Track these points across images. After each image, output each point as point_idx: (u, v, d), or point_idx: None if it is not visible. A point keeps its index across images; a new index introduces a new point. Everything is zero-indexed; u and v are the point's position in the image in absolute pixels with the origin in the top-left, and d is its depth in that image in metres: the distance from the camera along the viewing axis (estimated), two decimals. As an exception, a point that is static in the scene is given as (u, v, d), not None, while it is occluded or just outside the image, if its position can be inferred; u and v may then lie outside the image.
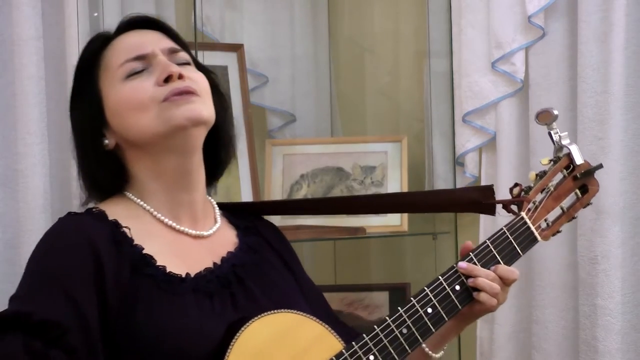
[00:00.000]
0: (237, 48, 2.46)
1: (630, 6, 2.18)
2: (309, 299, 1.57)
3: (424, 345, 1.55)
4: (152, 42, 1.49)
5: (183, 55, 1.51)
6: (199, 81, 1.48)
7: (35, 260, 1.39)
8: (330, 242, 2.60)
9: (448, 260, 2.42)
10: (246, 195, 2.37)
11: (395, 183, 2.48)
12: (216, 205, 1.58)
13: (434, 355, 1.58)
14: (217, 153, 1.56)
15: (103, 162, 1.48)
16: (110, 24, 2.20)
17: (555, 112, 1.60)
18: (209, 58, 2.36)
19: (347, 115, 2.72)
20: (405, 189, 2.47)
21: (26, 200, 2.03)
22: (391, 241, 2.58)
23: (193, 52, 2.25)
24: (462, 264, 1.51)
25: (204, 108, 1.46)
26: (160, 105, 1.43)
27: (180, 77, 1.45)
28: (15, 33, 2.04)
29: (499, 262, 1.54)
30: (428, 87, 2.53)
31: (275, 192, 2.50)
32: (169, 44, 1.51)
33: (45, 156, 2.05)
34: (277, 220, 2.46)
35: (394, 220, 2.44)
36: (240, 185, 2.38)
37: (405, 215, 2.42)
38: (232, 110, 1.61)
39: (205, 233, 1.50)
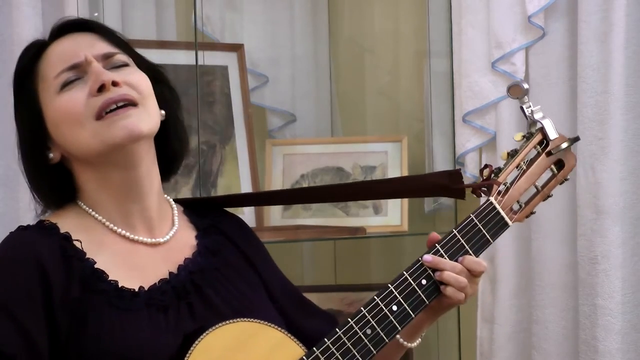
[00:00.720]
0: (237, 48, 2.46)
1: (631, 6, 2.18)
2: (276, 295, 1.52)
3: (397, 336, 1.49)
4: (85, 47, 1.41)
5: (120, 58, 1.43)
6: (137, 84, 1.40)
7: None
8: (330, 242, 2.60)
9: (448, 260, 2.42)
10: (246, 195, 2.37)
11: (395, 183, 2.48)
12: (174, 206, 1.51)
13: (408, 344, 1.52)
14: (170, 146, 1.48)
15: (49, 175, 1.43)
16: (111, 24, 2.22)
17: (526, 86, 1.51)
18: (209, 58, 2.37)
19: (347, 115, 2.72)
20: (405, 189, 2.46)
21: (26, 200, 2.02)
22: (391, 241, 2.57)
23: (193, 52, 2.27)
24: (427, 257, 1.43)
25: (143, 119, 1.38)
26: (95, 124, 1.36)
27: (115, 84, 1.37)
28: (16, 33, 2.04)
29: (468, 252, 1.45)
30: (428, 87, 2.53)
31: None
32: (103, 48, 1.43)
33: (45, 156, 2.05)
34: (277, 220, 2.48)
35: (394, 220, 2.43)
36: (240, 186, 2.38)
37: (405, 215, 2.42)
38: (182, 104, 1.52)
39: (161, 240, 1.44)
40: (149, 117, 1.39)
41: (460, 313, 2.42)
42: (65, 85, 1.39)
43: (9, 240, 1.39)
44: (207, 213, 1.54)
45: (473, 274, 1.46)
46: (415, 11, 2.62)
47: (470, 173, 2.41)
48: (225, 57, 2.43)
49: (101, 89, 1.37)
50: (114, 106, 1.36)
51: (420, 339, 1.54)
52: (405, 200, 2.43)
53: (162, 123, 1.44)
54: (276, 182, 2.50)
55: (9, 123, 2.04)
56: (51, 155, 1.42)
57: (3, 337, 1.29)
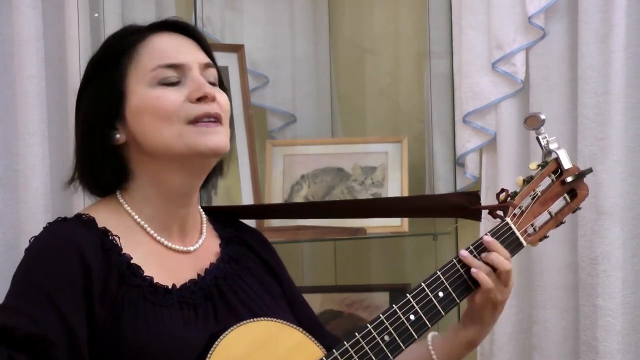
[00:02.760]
0: (237, 48, 2.46)
1: (631, 7, 2.18)
2: (294, 306, 1.58)
3: (432, 353, 1.56)
4: (188, 52, 1.48)
5: (213, 72, 1.50)
6: (224, 104, 1.47)
7: (23, 270, 1.38)
8: (330, 243, 2.60)
9: (448, 261, 2.42)
10: (246, 195, 2.37)
11: (395, 184, 2.48)
12: (204, 216, 1.56)
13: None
14: (219, 166, 1.55)
15: (107, 157, 1.46)
16: (111, 24, 2.22)
17: (542, 117, 1.58)
18: (209, 59, 2.36)
19: (347, 116, 2.72)
20: (405, 190, 2.47)
21: (26, 200, 2.03)
22: (391, 242, 2.58)
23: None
24: (463, 252, 1.51)
25: (225, 139, 1.45)
26: (185, 127, 1.42)
27: (213, 100, 1.44)
28: (16, 33, 2.04)
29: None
30: (428, 88, 2.53)
31: (276, 192, 2.50)
32: (204, 58, 1.49)
33: (45, 157, 2.05)
34: (277, 220, 2.47)
35: (394, 221, 2.44)
36: (240, 186, 2.38)
37: (406, 215, 2.43)
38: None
39: (191, 248, 1.50)
40: (228, 139, 1.47)
41: (460, 313, 2.42)
42: (163, 83, 1.44)
43: (50, 230, 1.42)
44: (230, 224, 1.60)
45: (498, 275, 1.51)
46: (416, 12, 2.62)
47: (471, 174, 2.42)
48: (225, 58, 2.43)
49: (200, 99, 1.43)
50: (206, 120, 1.43)
51: None
52: (406, 201, 2.43)
53: None
54: (276, 182, 2.50)
55: (10, 123, 2.05)
56: (117, 136, 1.45)
57: (45, 323, 1.31)
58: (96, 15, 2.20)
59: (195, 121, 1.42)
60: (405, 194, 2.46)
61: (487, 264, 1.52)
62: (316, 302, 2.43)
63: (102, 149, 1.45)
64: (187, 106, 1.42)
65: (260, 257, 1.59)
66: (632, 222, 2.20)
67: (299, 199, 2.49)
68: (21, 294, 1.35)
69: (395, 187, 2.47)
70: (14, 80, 2.04)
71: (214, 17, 2.53)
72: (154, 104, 1.42)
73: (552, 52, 2.29)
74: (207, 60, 1.49)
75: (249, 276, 1.53)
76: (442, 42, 2.47)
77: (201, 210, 1.57)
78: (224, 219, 1.60)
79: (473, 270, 1.51)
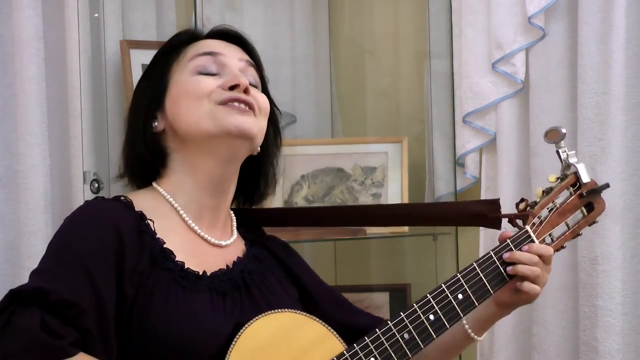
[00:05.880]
0: (237, 49, 2.45)
1: (631, 7, 2.18)
2: (322, 302, 1.60)
3: (467, 327, 1.59)
4: (232, 50, 1.55)
5: (255, 74, 1.57)
6: (261, 102, 1.53)
7: (61, 237, 1.42)
8: (330, 243, 2.60)
9: (448, 261, 2.42)
10: (246, 196, 2.37)
11: (395, 184, 2.48)
12: (235, 219, 1.61)
13: (477, 337, 1.61)
14: (256, 180, 1.61)
15: (147, 144, 1.51)
16: (111, 24, 2.22)
17: (564, 131, 1.61)
18: (209, 59, 2.36)
19: (347, 116, 2.72)
20: (405, 190, 2.47)
21: (27, 200, 2.03)
22: (391, 242, 2.57)
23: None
24: (506, 254, 1.54)
25: (256, 124, 1.50)
26: (215, 107, 1.47)
27: (247, 91, 1.49)
28: (16, 34, 2.04)
29: (502, 273, 1.55)
30: (428, 88, 2.53)
31: (276, 193, 2.49)
32: (246, 57, 1.56)
33: (45, 157, 2.06)
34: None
35: (394, 221, 2.43)
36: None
37: (406, 216, 2.42)
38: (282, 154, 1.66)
39: (223, 243, 1.54)
40: (259, 128, 1.52)
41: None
42: (202, 72, 1.51)
43: (89, 204, 1.47)
44: (254, 230, 1.65)
45: (544, 261, 1.56)
46: (416, 12, 2.62)
47: (471, 174, 2.42)
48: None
49: (233, 87, 1.49)
50: (237, 103, 1.48)
51: (486, 333, 1.63)
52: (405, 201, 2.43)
53: (256, 158, 1.57)
54: (276, 182, 2.50)
55: (10, 124, 2.05)
56: (156, 123, 1.51)
57: (79, 291, 1.33)
58: (96, 15, 2.20)
59: (224, 102, 1.47)
60: (406, 194, 2.46)
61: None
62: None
63: (143, 137, 1.51)
64: (219, 91, 1.48)
65: (281, 262, 1.62)
66: (632, 222, 2.20)
67: (298, 199, 2.49)
68: (59, 260, 1.38)
69: (395, 187, 2.47)
70: (14, 81, 2.05)
71: (214, 18, 2.53)
72: (190, 86, 1.49)
73: (552, 52, 2.29)
74: (249, 58, 1.57)
75: (270, 276, 1.56)
76: (442, 42, 2.47)
77: (233, 215, 1.61)
78: (249, 225, 1.64)
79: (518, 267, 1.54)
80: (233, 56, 1.54)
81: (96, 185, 2.09)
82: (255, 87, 1.56)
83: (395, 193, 2.47)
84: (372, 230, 2.40)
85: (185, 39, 1.57)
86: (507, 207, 1.62)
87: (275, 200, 2.48)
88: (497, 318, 1.62)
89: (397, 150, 2.50)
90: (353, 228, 2.38)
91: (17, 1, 2.03)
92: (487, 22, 2.34)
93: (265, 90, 1.59)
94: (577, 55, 2.23)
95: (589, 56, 2.19)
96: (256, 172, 1.60)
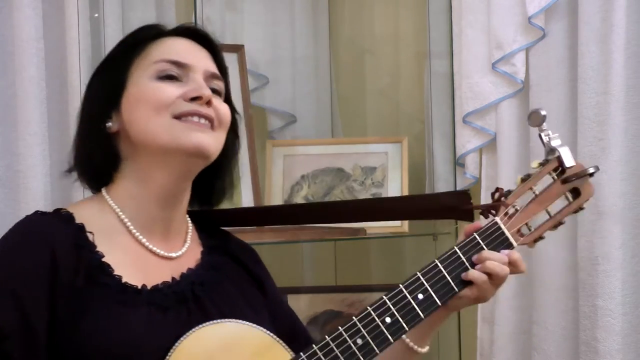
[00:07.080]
0: (237, 49, 2.46)
1: (631, 7, 2.18)
2: (277, 315, 1.55)
3: (407, 340, 1.51)
4: (198, 57, 1.48)
5: (219, 84, 1.49)
6: (222, 114, 1.46)
7: None
8: (330, 243, 2.60)
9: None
10: (247, 196, 2.37)
11: (395, 184, 2.48)
12: (190, 225, 1.54)
13: (419, 349, 1.54)
14: (212, 183, 1.54)
15: (99, 145, 1.45)
16: (111, 24, 2.22)
17: (543, 113, 1.52)
18: (209, 59, 2.36)
19: (347, 116, 2.72)
20: (405, 190, 2.47)
21: (27, 201, 2.03)
22: (391, 242, 2.58)
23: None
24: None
25: (213, 143, 1.44)
26: (171, 121, 1.41)
27: (209, 104, 1.43)
28: (16, 34, 2.04)
29: (468, 269, 1.46)
30: (428, 88, 2.53)
31: (276, 193, 2.50)
32: (213, 67, 1.49)
33: (45, 157, 2.05)
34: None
35: (394, 222, 2.43)
36: (240, 186, 2.38)
37: (406, 216, 2.42)
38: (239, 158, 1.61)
39: (173, 255, 1.47)
40: (217, 145, 1.45)
41: (460, 314, 2.42)
42: (163, 77, 1.44)
43: (25, 222, 1.41)
44: (217, 234, 1.58)
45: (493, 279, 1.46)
46: (416, 12, 2.62)
47: (471, 174, 2.42)
48: (225, 58, 2.42)
49: (195, 99, 1.42)
50: (196, 118, 1.42)
51: (428, 346, 1.55)
52: (406, 201, 2.43)
53: (215, 161, 1.48)
54: (276, 183, 2.50)
55: (10, 124, 2.05)
56: (110, 123, 1.45)
57: (3, 316, 1.30)
58: (96, 15, 2.20)
59: (181, 116, 1.41)
60: (405, 194, 2.46)
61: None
62: (316, 303, 2.43)
63: (96, 136, 1.45)
64: (179, 102, 1.42)
65: (245, 267, 1.56)
66: (632, 222, 2.20)
67: (299, 199, 2.49)
68: None
69: (395, 187, 2.47)
70: (14, 81, 2.04)
71: (214, 18, 2.53)
72: (151, 94, 1.42)
73: (552, 52, 2.29)
74: (215, 70, 1.49)
75: (229, 285, 1.50)
76: (442, 42, 2.47)
77: (188, 219, 1.55)
78: (211, 229, 1.58)
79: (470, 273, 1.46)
80: (200, 65, 1.47)
81: (96, 185, 2.09)
82: (219, 94, 1.49)
83: (395, 193, 2.47)
84: (372, 230, 2.40)
85: (151, 35, 1.49)
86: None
87: (275, 201, 2.49)
88: (439, 323, 1.53)
89: (397, 150, 2.50)
90: (353, 228, 2.38)
91: (17, 1, 2.03)
92: (487, 22, 2.34)
93: (228, 98, 1.53)
94: (577, 55, 2.23)
95: (589, 56, 2.19)
96: (213, 174, 1.53)
